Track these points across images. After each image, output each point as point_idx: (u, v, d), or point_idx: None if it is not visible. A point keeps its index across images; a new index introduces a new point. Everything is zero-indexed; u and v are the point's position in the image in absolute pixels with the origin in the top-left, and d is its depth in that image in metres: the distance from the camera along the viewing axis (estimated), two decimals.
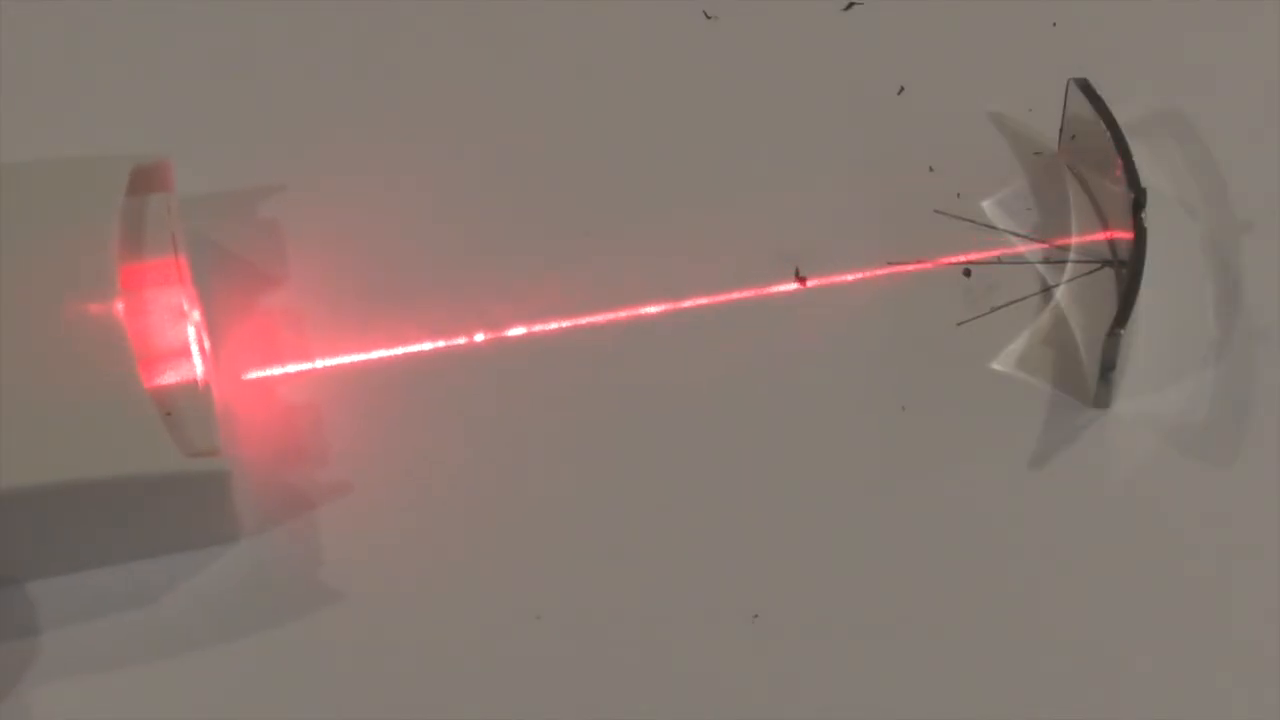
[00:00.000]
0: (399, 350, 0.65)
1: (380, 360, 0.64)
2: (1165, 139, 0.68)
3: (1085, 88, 0.66)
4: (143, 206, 0.63)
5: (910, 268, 0.66)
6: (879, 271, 0.66)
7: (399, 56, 0.71)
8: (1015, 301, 0.65)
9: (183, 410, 0.60)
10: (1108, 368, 0.62)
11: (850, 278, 0.66)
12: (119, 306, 0.60)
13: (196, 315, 0.62)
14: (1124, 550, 0.61)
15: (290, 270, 0.66)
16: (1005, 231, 0.67)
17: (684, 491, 0.62)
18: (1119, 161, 0.64)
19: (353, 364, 0.64)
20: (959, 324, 0.65)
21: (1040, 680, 0.59)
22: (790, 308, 0.65)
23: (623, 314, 0.65)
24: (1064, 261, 0.66)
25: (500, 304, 0.65)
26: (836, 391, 0.64)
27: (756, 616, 0.60)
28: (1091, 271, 0.66)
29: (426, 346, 0.65)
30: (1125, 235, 0.64)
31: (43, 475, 0.57)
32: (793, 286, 0.66)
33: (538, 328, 0.65)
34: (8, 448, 0.57)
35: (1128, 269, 0.63)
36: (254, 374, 0.64)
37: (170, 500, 0.59)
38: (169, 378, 0.60)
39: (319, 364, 0.64)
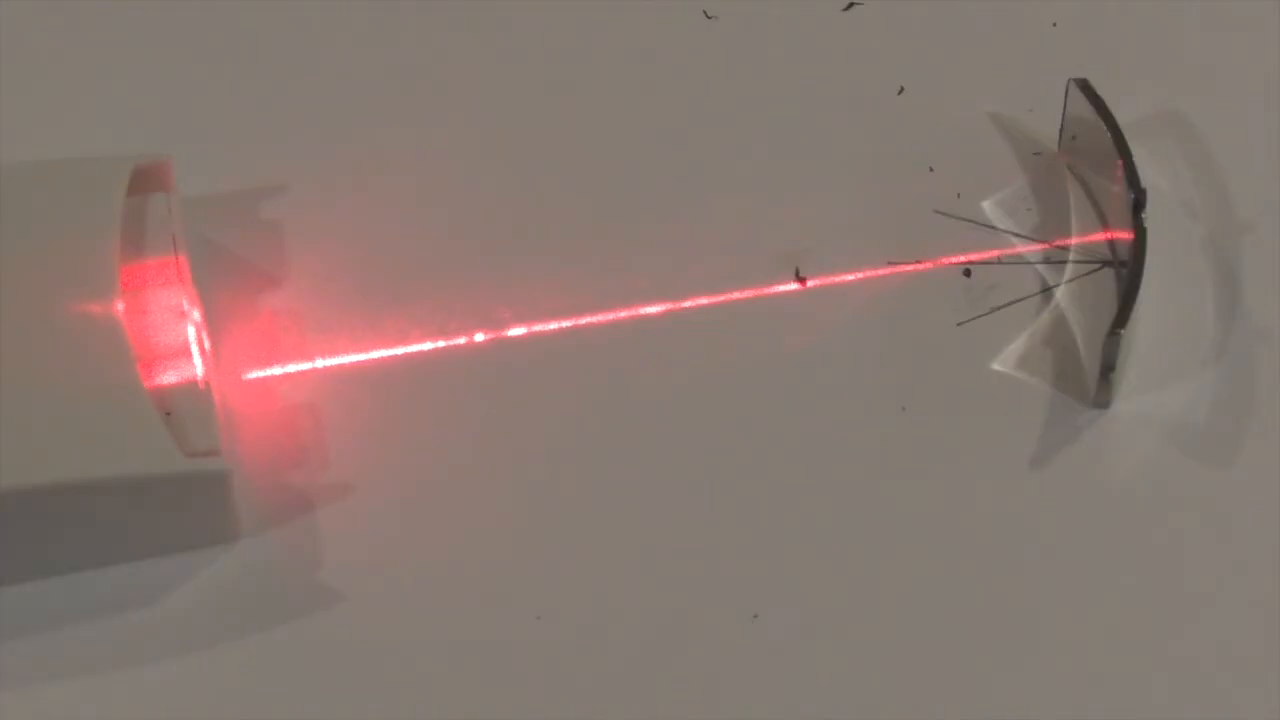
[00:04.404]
0: (399, 350, 0.65)
1: (380, 360, 0.64)
2: (1165, 139, 0.68)
3: (1085, 88, 0.66)
4: (143, 206, 0.63)
5: (910, 268, 0.66)
6: (879, 271, 0.66)
7: (399, 56, 0.71)
8: (1015, 301, 0.65)
9: (183, 410, 0.60)
10: (1108, 368, 0.62)
11: (850, 278, 0.66)
12: (119, 306, 0.60)
13: (196, 315, 0.62)
14: (1124, 550, 0.61)
15: (290, 270, 0.66)
16: (1005, 231, 0.67)
17: (684, 491, 0.62)
18: (1119, 161, 0.64)
19: (353, 364, 0.64)
20: (959, 324, 0.65)
21: (1040, 680, 0.59)
22: (790, 308, 0.65)
23: (623, 314, 0.65)
24: (1064, 261, 0.66)
25: (500, 304, 0.65)
26: (836, 391, 0.64)
27: (756, 616, 0.60)
28: (1091, 271, 0.66)
29: (426, 346, 0.65)
30: (1125, 235, 0.64)
31: (43, 475, 0.57)
32: (793, 286, 0.66)
33: (538, 328, 0.65)
34: (8, 448, 0.57)
35: (1128, 269, 0.63)
36: (254, 374, 0.64)
37: (170, 500, 0.59)
38: (169, 378, 0.60)
39: (319, 364, 0.64)
